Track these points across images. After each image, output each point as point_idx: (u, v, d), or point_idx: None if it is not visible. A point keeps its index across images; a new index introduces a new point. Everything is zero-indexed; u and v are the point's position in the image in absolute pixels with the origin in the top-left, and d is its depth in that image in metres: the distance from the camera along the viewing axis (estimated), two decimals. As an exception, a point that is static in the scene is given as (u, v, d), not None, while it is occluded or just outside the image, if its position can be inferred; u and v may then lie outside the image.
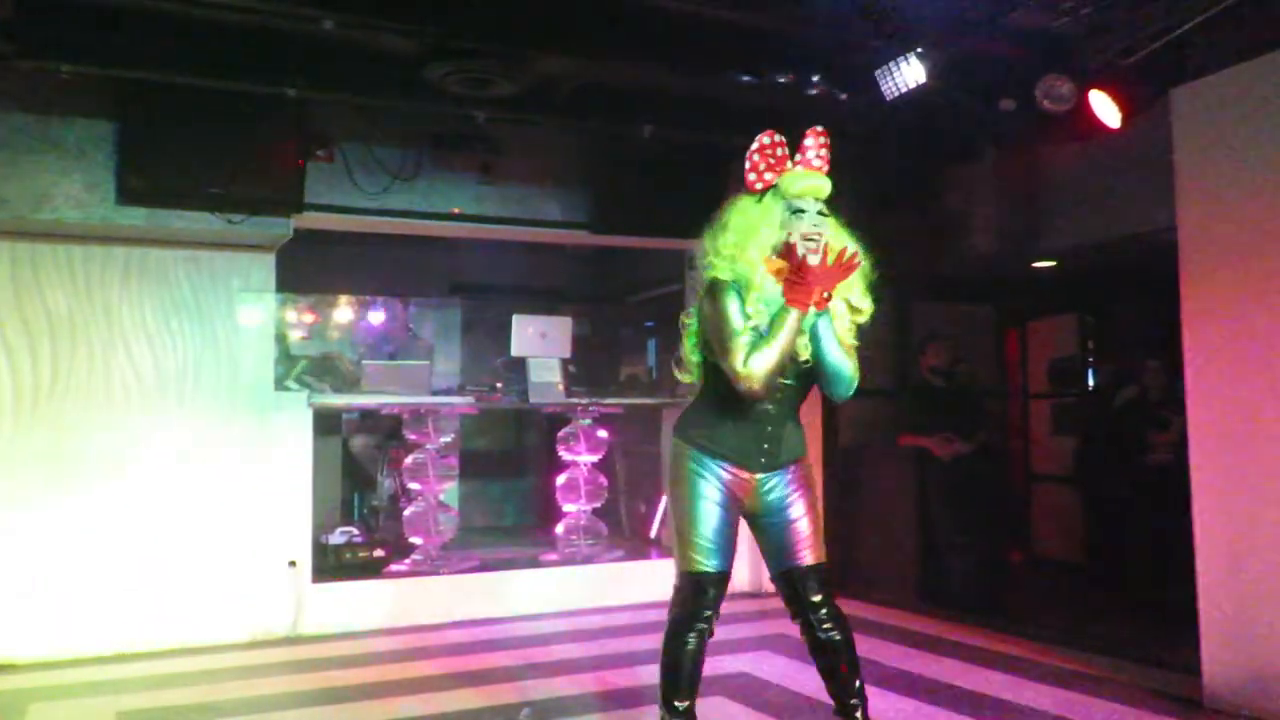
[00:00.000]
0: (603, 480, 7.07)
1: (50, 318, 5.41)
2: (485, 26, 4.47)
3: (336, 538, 6.45)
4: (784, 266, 2.96)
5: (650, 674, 4.62)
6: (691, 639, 3.12)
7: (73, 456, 5.38)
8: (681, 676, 3.13)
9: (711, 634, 3.17)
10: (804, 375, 3.12)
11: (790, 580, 3.19)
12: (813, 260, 2.93)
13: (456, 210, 6.11)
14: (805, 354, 3.03)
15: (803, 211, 3.00)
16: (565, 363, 6.95)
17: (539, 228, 6.49)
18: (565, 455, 6.98)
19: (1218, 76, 4.29)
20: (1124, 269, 7.03)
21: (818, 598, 3.16)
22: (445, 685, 4.73)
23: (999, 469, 6.79)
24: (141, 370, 5.56)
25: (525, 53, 4.80)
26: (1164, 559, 5.82)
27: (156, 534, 5.49)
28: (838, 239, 3.03)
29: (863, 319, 3.16)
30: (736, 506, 3.16)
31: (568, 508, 6.93)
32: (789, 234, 2.99)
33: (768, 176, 3.08)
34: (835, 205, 3.09)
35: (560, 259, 9.19)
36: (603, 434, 7.14)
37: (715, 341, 3.00)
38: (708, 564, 3.10)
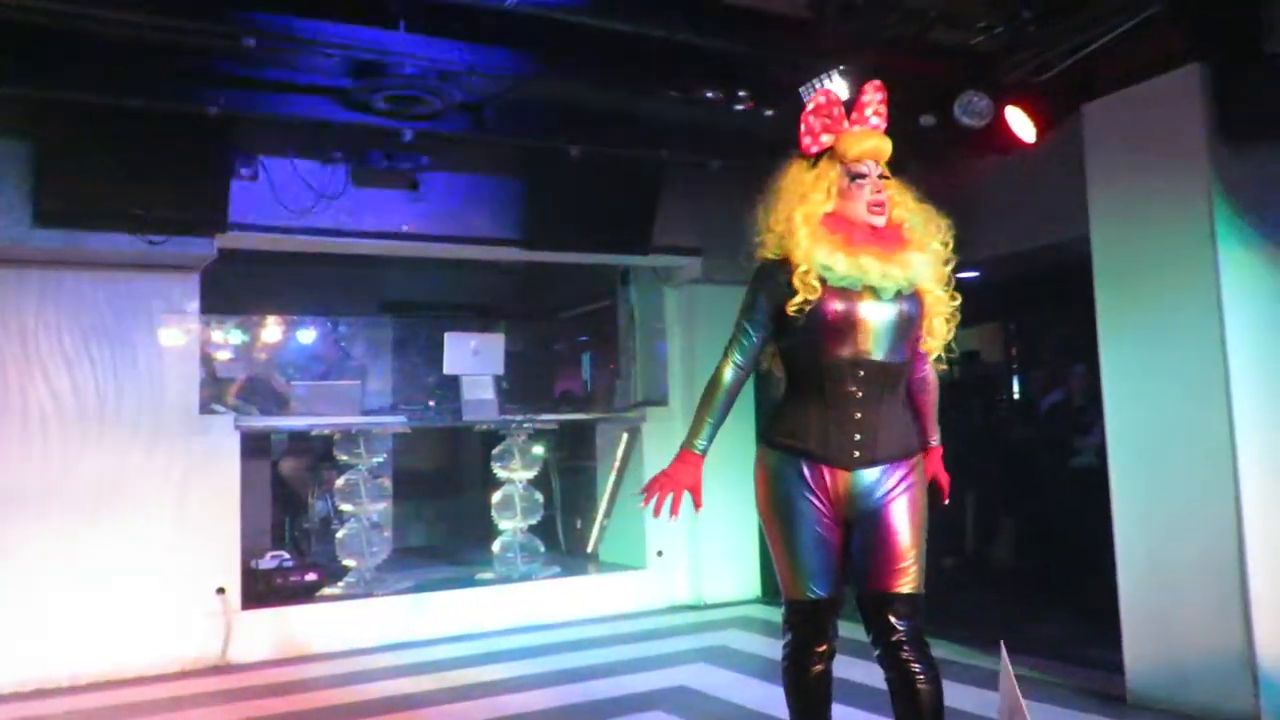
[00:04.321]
0: (539, 497, 7.05)
1: (-38, 344, 5.24)
2: (412, 45, 4.44)
3: (267, 562, 6.33)
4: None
5: (590, 689, 4.62)
6: (814, 667, 2.79)
7: (-12, 487, 5.21)
8: (810, 706, 2.82)
9: (833, 656, 2.81)
10: (894, 349, 2.68)
11: (871, 607, 2.71)
12: (878, 221, 2.71)
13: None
14: (881, 311, 2.65)
15: (863, 176, 2.72)
16: (499, 379, 6.93)
17: (470, 244, 6.45)
18: (500, 472, 6.94)
19: (1125, 93, 4.46)
20: (1045, 278, 7.23)
21: (905, 635, 2.65)
22: (381, 710, 4.66)
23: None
24: (60, 397, 5.40)
25: (450, 70, 4.79)
26: (1089, 560, 5.98)
27: (79, 563, 5.32)
28: (901, 200, 2.79)
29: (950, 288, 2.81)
30: (834, 514, 2.72)
31: (503, 525, 6.89)
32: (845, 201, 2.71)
33: (824, 139, 2.76)
34: (895, 167, 2.83)
35: (492, 275, 9.16)
36: (538, 450, 7.11)
37: (736, 323, 2.78)
38: (811, 591, 2.73)
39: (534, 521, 6.98)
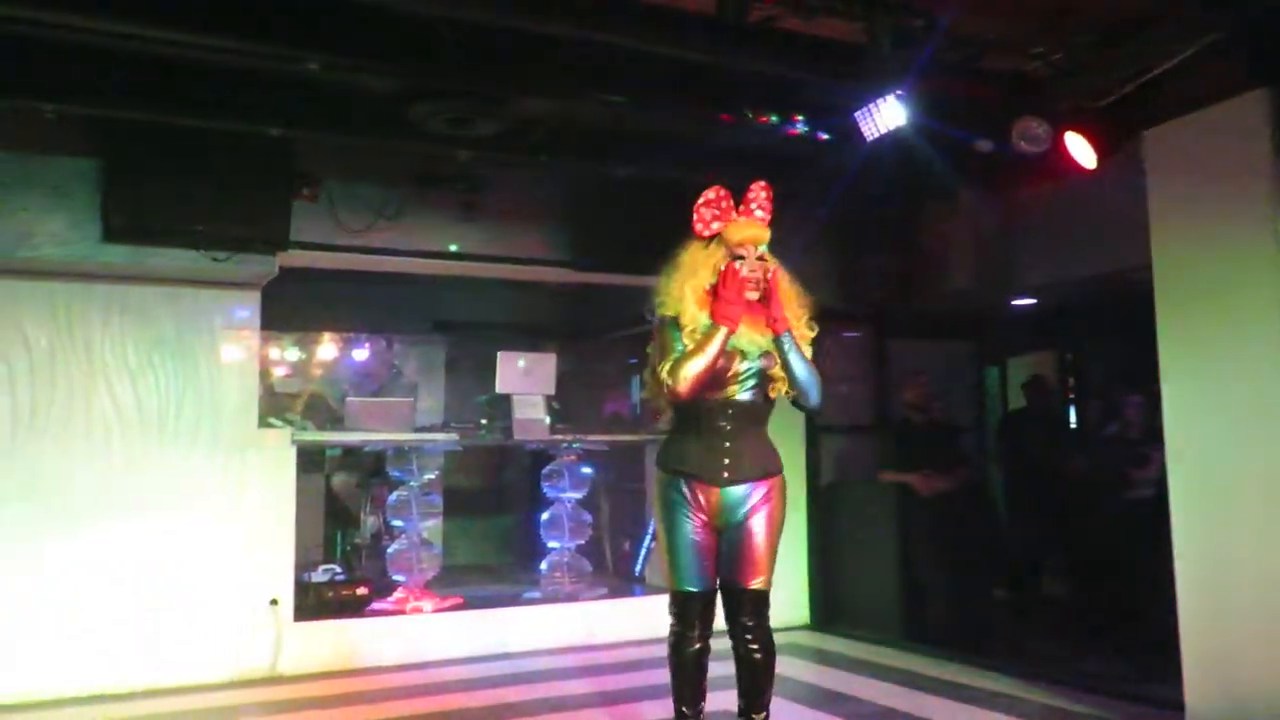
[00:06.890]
0: (586, 517, 7.06)
1: (31, 354, 5.39)
2: (466, 69, 4.50)
3: (319, 575, 6.41)
4: (718, 286, 3.29)
5: (632, 713, 4.61)
6: (688, 650, 3.46)
7: (52, 494, 5.33)
8: (684, 684, 3.50)
9: (704, 644, 3.46)
10: (757, 389, 3.40)
11: (729, 597, 3.44)
12: (751, 296, 3.30)
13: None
14: (747, 366, 3.35)
15: (742, 258, 3.32)
16: (549, 399, 6.96)
17: (522, 265, 6.51)
18: (549, 492, 6.97)
19: (1188, 118, 4.37)
20: (1103, 306, 7.11)
21: (750, 621, 3.42)
22: (426, 726, 4.69)
23: (981, 504, 6.81)
24: (123, 407, 5.54)
25: (505, 94, 4.85)
26: (1147, 594, 5.84)
27: (136, 572, 5.44)
28: (779, 278, 3.38)
29: (810, 336, 3.49)
30: (709, 524, 3.39)
31: (551, 545, 6.91)
32: (729, 262, 3.32)
33: (714, 225, 3.41)
34: (777, 248, 3.43)
35: (543, 296, 9.21)
36: (587, 470, 7.13)
37: (658, 365, 3.34)
38: (685, 585, 3.41)
39: (581, 542, 6.99)
